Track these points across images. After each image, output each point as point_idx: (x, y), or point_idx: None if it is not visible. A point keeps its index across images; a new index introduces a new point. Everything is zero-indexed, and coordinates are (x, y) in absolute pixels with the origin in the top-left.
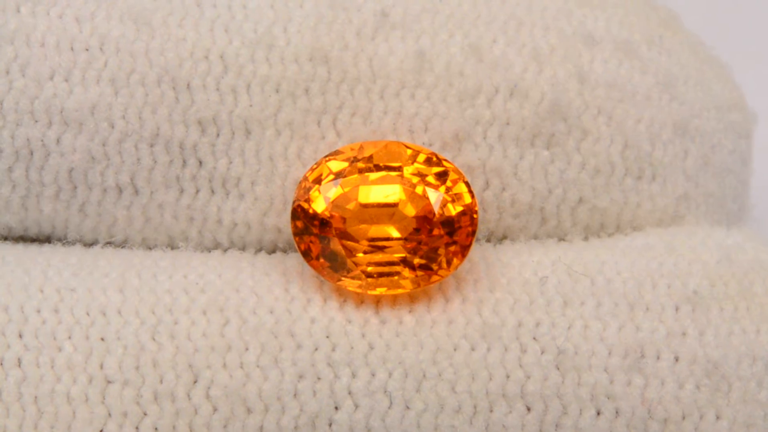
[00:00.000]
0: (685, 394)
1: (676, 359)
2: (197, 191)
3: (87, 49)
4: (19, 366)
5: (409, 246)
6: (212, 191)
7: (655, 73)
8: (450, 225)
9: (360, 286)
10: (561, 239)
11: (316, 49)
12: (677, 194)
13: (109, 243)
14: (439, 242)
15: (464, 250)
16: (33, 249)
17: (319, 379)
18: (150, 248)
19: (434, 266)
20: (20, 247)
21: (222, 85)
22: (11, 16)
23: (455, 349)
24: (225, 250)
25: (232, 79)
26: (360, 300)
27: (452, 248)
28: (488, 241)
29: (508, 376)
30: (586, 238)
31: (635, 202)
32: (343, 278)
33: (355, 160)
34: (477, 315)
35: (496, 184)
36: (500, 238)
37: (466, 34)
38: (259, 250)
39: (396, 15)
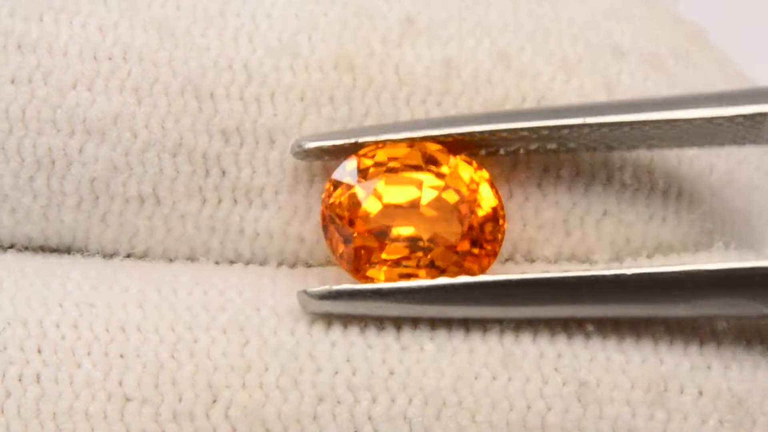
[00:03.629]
0: (707, 430)
1: (700, 393)
2: (220, 201)
3: (110, 58)
4: (38, 382)
5: (430, 249)
6: (235, 201)
7: (681, 88)
8: (474, 232)
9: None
10: (588, 259)
11: (341, 56)
12: (702, 210)
13: (129, 255)
14: (462, 248)
15: (488, 258)
16: (53, 261)
17: (339, 402)
18: (171, 259)
19: (456, 273)
20: (39, 259)
21: (246, 95)
22: (34, 25)
23: (476, 378)
24: (246, 263)
25: (256, 88)
26: (381, 326)
27: (476, 256)
28: (511, 258)
29: (529, 407)
30: (613, 258)
31: (660, 217)
32: (367, 278)
33: (382, 159)
34: (499, 344)
35: (520, 194)
36: (524, 253)
37: (494, 42)
38: (281, 261)
39: (422, 21)
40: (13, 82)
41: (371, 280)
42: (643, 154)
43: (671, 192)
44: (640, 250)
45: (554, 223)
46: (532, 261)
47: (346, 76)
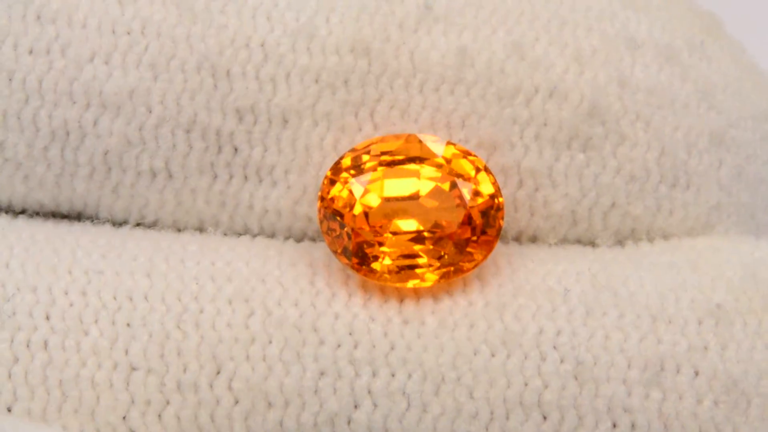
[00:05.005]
0: (702, 410)
1: (696, 374)
2: (231, 177)
3: (128, 33)
4: (46, 348)
5: (432, 239)
6: (246, 178)
7: (695, 81)
8: (475, 219)
9: (383, 279)
10: (591, 243)
11: (357, 40)
12: (710, 204)
13: (139, 224)
14: (464, 236)
15: (489, 245)
16: (63, 227)
17: (340, 376)
18: (180, 230)
19: (458, 260)
20: (50, 225)
21: (261, 74)
22: None
23: (475, 354)
24: (254, 237)
25: (272, 68)
26: (384, 298)
27: (477, 243)
28: (517, 239)
29: (526, 384)
30: (616, 243)
31: (668, 209)
32: (367, 271)
33: (378, 153)
34: (499, 320)
35: (530, 185)
36: (530, 237)
37: (509, 31)
38: (288, 237)
39: (439, 8)
40: (31, 52)
41: (373, 273)
42: (653, 146)
43: (679, 185)
44: (643, 239)
45: (562, 215)
46: (535, 241)
47: (361, 60)
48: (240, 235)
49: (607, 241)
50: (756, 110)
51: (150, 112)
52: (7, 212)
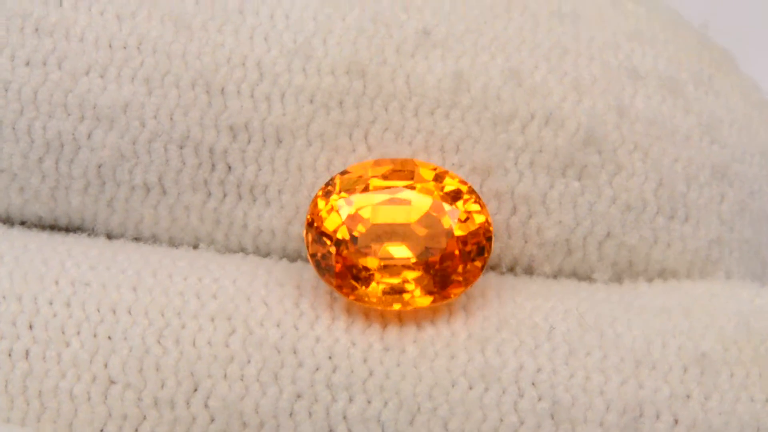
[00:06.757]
0: None
1: (676, 422)
2: (224, 196)
3: (125, 47)
4: (27, 358)
5: (421, 264)
6: (239, 196)
7: (698, 114)
8: (463, 244)
9: (369, 302)
10: (588, 276)
11: (353, 62)
12: (710, 238)
13: (137, 239)
14: (452, 263)
15: (477, 269)
16: (57, 238)
17: (316, 400)
18: (176, 246)
19: (445, 286)
20: (44, 236)
21: (256, 93)
22: (53, 9)
23: (453, 386)
24: (247, 255)
25: (267, 87)
26: (368, 323)
27: (465, 267)
28: (511, 270)
29: (501, 420)
30: (613, 278)
31: (665, 241)
32: (355, 295)
33: (368, 177)
34: (480, 353)
35: (523, 212)
36: (525, 267)
37: (508, 58)
38: (282, 257)
39: (438, 34)
40: (27, 64)
41: (359, 296)
42: (650, 177)
43: (677, 217)
44: (642, 273)
45: (556, 242)
46: (531, 274)
47: (356, 81)
48: (235, 253)
49: (605, 274)
50: (764, 146)
51: (143, 126)
52: (5, 224)
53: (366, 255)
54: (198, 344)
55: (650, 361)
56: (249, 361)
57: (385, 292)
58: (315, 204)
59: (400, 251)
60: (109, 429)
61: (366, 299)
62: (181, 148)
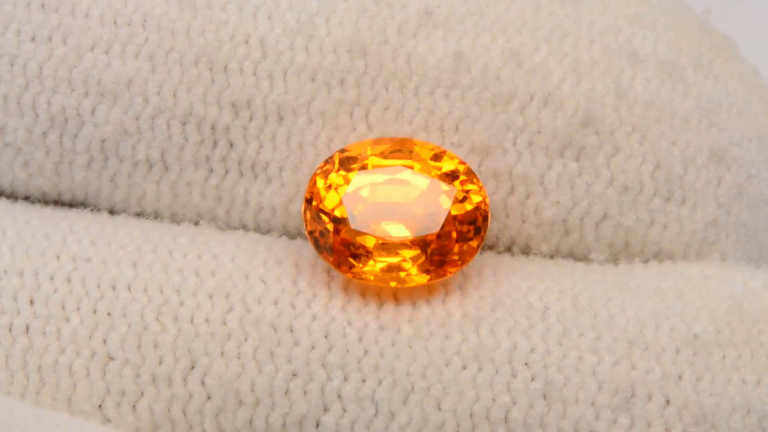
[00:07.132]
0: None
1: (667, 402)
2: (226, 172)
3: (129, 24)
4: (27, 333)
5: (418, 243)
6: (241, 173)
7: (697, 97)
8: (459, 223)
9: (366, 279)
10: (585, 257)
11: (355, 41)
12: (706, 220)
13: (139, 215)
14: (449, 239)
15: (473, 249)
16: (59, 213)
17: (311, 379)
18: (178, 222)
19: (443, 263)
20: (48, 211)
21: (259, 70)
22: None
23: (446, 366)
24: (248, 232)
25: (270, 65)
26: (365, 301)
27: (461, 245)
28: (509, 249)
29: (494, 400)
30: (610, 258)
31: (662, 223)
32: (352, 272)
33: (367, 156)
34: (474, 333)
35: (521, 192)
36: (522, 247)
37: (509, 39)
38: (283, 234)
39: (440, 14)
40: (33, 39)
41: (356, 273)
42: (648, 159)
43: (674, 199)
44: (638, 254)
45: (553, 223)
46: (528, 254)
47: (358, 61)
48: (236, 230)
49: (601, 255)
50: (763, 131)
51: (146, 102)
52: (9, 199)
53: (364, 233)
54: (196, 322)
55: (643, 342)
56: (246, 339)
57: (382, 270)
58: (314, 182)
59: (397, 230)
60: (107, 405)
61: (363, 276)
62: (184, 124)
